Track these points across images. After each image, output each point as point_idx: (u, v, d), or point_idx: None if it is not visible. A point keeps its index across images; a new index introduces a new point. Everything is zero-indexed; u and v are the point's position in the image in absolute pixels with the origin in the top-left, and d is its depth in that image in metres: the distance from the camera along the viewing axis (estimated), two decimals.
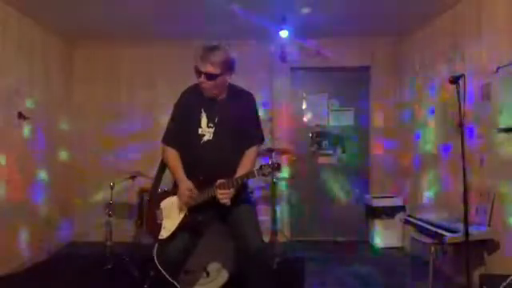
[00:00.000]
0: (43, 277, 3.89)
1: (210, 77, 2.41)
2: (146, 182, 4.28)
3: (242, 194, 2.51)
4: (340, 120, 5.36)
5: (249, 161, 2.52)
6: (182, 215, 2.50)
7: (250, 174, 2.37)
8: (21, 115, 4.10)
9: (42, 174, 4.53)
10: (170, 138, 2.60)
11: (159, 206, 2.60)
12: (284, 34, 4.51)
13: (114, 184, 4.04)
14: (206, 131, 2.49)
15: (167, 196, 2.59)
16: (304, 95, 5.41)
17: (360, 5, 4.01)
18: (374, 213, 4.88)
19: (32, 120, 4.25)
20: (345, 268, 4.15)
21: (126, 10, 4.10)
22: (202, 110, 2.51)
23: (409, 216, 3.71)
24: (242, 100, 2.59)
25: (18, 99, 4.10)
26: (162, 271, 2.47)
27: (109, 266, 3.89)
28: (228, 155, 2.50)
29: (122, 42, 5.18)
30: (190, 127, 2.51)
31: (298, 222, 5.31)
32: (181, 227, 2.49)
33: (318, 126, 5.38)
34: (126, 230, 4.63)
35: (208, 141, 2.48)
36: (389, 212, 4.85)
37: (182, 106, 2.60)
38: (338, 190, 5.30)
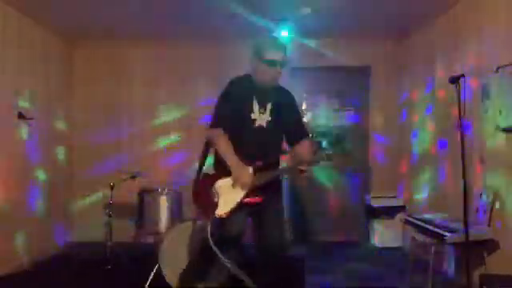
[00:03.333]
0: (43, 277, 3.90)
1: (283, 65, 2.55)
2: (145, 182, 4.29)
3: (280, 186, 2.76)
4: (340, 120, 5.36)
5: (306, 147, 2.69)
6: (240, 195, 2.56)
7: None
8: (21, 115, 4.10)
9: (42, 174, 4.53)
10: (221, 123, 2.63)
11: (213, 185, 2.62)
12: (284, 33, 4.51)
13: (113, 184, 4.04)
14: (258, 117, 2.60)
15: (219, 177, 2.63)
16: (304, 95, 5.41)
17: (360, 5, 4.01)
18: (374, 213, 4.88)
19: (32, 120, 4.24)
20: (345, 268, 4.15)
21: (126, 9, 4.10)
22: (254, 97, 2.60)
23: (409, 216, 3.71)
24: (290, 97, 2.79)
25: (18, 99, 4.10)
26: (216, 249, 2.54)
27: (109, 266, 3.89)
28: (278, 141, 2.72)
29: (122, 42, 5.18)
30: (243, 113, 2.60)
31: (298, 222, 5.31)
32: (239, 206, 2.56)
33: (318, 126, 5.38)
34: (126, 230, 4.63)
35: (260, 126, 2.60)
36: (389, 212, 4.85)
37: (232, 94, 2.63)
38: (338, 189, 5.30)
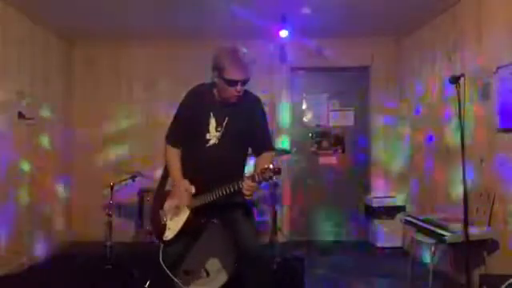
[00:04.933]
0: (43, 277, 3.90)
1: (245, 82, 2.34)
2: (146, 182, 4.30)
3: (240, 196, 2.40)
4: (340, 120, 5.36)
5: (267, 162, 2.36)
6: (185, 216, 2.49)
7: (255, 176, 2.23)
8: (21, 115, 4.10)
9: (42, 174, 4.53)
10: (173, 138, 2.58)
11: (163, 206, 2.59)
12: (284, 33, 4.51)
13: (113, 184, 4.04)
14: (213, 135, 2.43)
15: (171, 197, 2.58)
16: (304, 95, 5.41)
17: (360, 5, 4.01)
18: (374, 213, 4.88)
19: (32, 120, 4.24)
20: (344, 268, 4.15)
21: (126, 9, 4.10)
22: (211, 114, 2.44)
23: (409, 216, 3.71)
24: (252, 105, 2.52)
25: (18, 99, 4.10)
26: (168, 273, 2.49)
27: (109, 266, 3.89)
28: (232, 160, 2.46)
29: (122, 42, 5.18)
30: (197, 131, 2.45)
31: (297, 222, 5.31)
32: (184, 228, 2.49)
33: (318, 126, 5.38)
34: (126, 230, 4.63)
35: (213, 145, 2.43)
36: (389, 212, 4.85)
37: (188, 107, 2.52)
38: (338, 190, 5.30)
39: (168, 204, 2.56)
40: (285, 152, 4.73)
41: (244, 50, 2.35)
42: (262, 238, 3.19)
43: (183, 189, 2.46)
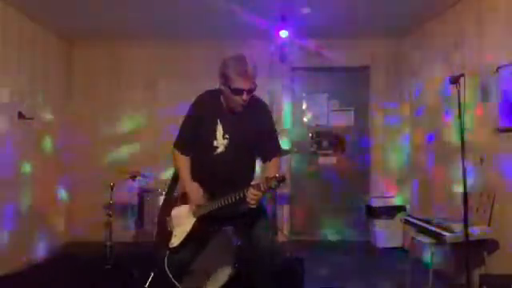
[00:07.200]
0: (43, 277, 3.89)
1: (250, 92, 2.34)
2: (145, 182, 4.30)
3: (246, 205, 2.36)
4: (340, 120, 5.36)
5: (274, 169, 2.40)
6: (191, 224, 2.49)
7: (261, 185, 2.19)
8: (21, 115, 4.10)
9: (41, 173, 4.52)
10: (182, 146, 2.56)
11: (170, 213, 2.59)
12: (284, 34, 4.50)
13: (113, 184, 4.04)
14: (221, 143, 2.43)
15: (178, 204, 2.58)
16: (304, 95, 5.41)
17: (360, 5, 4.01)
18: (374, 213, 4.89)
19: (32, 120, 4.24)
20: (344, 268, 4.15)
21: (126, 9, 4.10)
22: (218, 121, 2.44)
23: (409, 216, 3.71)
24: (259, 112, 2.51)
25: (18, 99, 4.10)
26: (173, 281, 2.49)
27: (109, 266, 3.89)
28: (239, 168, 2.46)
29: (121, 42, 5.18)
30: (205, 138, 2.45)
31: (297, 221, 5.31)
32: (190, 236, 2.49)
33: (318, 125, 5.38)
34: (125, 230, 4.62)
35: (221, 153, 2.43)
36: (389, 212, 4.85)
37: (197, 115, 2.52)
38: (338, 190, 5.30)
39: (175, 211, 2.57)
40: (285, 152, 4.73)
41: (244, 56, 2.34)
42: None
43: (196, 191, 2.45)
